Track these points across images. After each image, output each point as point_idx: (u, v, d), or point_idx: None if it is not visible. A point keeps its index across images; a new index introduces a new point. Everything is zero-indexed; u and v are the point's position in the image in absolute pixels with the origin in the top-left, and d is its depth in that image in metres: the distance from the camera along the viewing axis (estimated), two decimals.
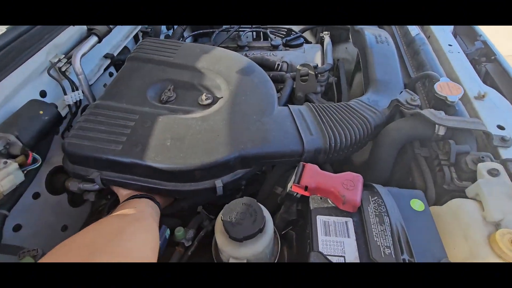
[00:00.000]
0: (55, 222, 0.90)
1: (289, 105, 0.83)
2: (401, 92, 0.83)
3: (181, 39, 1.41)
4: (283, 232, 0.81)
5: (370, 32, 1.12)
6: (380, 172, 0.85)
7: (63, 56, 0.86)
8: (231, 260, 0.60)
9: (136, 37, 1.29)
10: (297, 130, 0.76)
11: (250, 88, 0.85)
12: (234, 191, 0.88)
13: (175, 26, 1.42)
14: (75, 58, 0.85)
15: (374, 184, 0.70)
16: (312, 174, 0.67)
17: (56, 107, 0.78)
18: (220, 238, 0.61)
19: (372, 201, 0.68)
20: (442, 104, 0.81)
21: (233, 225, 0.58)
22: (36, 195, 0.83)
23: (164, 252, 0.76)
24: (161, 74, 0.87)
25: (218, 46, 1.28)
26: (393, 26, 1.24)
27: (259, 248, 0.60)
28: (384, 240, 0.61)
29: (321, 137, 0.76)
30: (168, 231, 0.72)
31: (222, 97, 0.83)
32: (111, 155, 0.67)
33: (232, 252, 0.59)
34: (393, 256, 0.57)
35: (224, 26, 1.47)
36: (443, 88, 0.80)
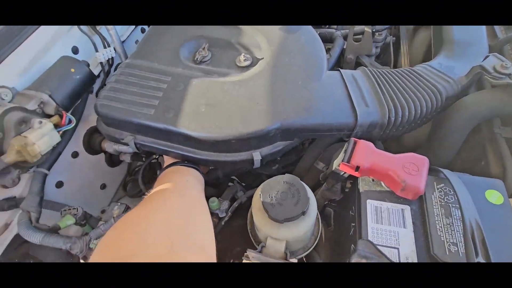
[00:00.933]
0: (95, 180, 0.91)
1: (341, 69, 0.71)
2: (487, 56, 0.66)
3: None
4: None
5: None
6: (444, 153, 0.73)
7: None
8: (269, 241, 0.55)
9: None
10: (349, 100, 0.65)
11: (295, 48, 0.73)
12: (270, 161, 0.81)
13: None
14: None
15: (441, 169, 0.59)
16: (366, 152, 0.57)
17: (88, 65, 0.74)
18: (258, 215, 0.55)
19: (437, 188, 0.58)
20: None
21: (273, 206, 0.52)
22: (75, 154, 0.83)
23: None
24: (195, 30, 0.78)
25: None
26: None
27: (300, 231, 0.54)
28: (450, 236, 0.52)
29: (379, 109, 0.64)
30: None
31: (262, 58, 0.72)
32: (143, 120, 0.62)
33: (270, 232, 0.54)
34: (461, 256, 0.48)
35: None
36: None
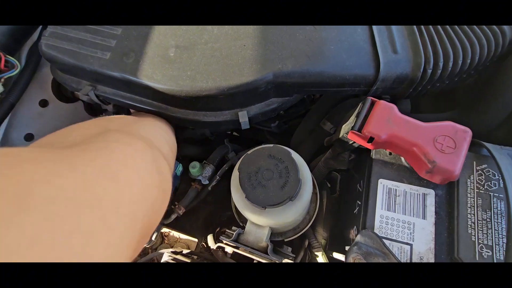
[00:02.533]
0: None
1: None
2: None
3: None
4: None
5: None
6: (491, 116, 0.55)
7: None
8: (248, 226, 0.45)
9: None
10: (371, 43, 0.47)
11: None
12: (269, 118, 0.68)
13: None
14: None
15: (484, 143, 0.44)
16: (384, 119, 0.43)
17: None
18: (237, 196, 0.45)
19: (477, 170, 0.43)
20: None
21: (253, 187, 0.40)
22: (43, 103, 0.73)
23: (179, 188, 0.66)
24: None
25: None
26: None
27: (288, 218, 0.43)
28: (485, 236, 0.39)
29: (411, 57, 0.46)
30: (179, 167, 0.59)
31: None
32: (97, 66, 0.48)
33: (250, 217, 0.44)
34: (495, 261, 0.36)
35: None
36: None
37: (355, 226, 0.47)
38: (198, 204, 0.64)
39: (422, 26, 0.48)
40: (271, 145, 0.44)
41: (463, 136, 0.40)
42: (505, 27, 0.47)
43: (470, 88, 0.60)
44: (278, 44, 0.47)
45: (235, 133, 0.79)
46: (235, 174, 0.45)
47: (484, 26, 0.47)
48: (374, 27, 0.48)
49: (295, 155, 0.45)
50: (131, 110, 0.64)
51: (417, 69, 0.46)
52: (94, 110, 0.83)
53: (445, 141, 0.40)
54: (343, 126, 0.49)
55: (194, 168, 0.59)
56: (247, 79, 0.45)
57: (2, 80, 0.51)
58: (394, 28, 0.48)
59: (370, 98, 0.45)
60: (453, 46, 0.46)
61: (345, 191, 0.60)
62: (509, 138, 0.59)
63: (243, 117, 0.50)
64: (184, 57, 0.47)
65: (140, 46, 0.48)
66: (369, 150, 0.47)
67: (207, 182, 0.61)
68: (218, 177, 0.63)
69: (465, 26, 0.47)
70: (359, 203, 0.48)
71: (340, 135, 0.48)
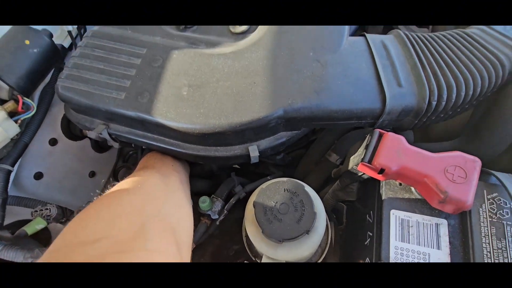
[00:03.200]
0: (81, 168, 0.83)
1: (367, 35, 0.54)
2: None
3: None
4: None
5: None
6: (496, 143, 0.57)
7: None
8: (264, 259, 0.45)
9: None
10: (376, 77, 0.49)
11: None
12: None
13: None
14: None
15: (493, 172, 0.45)
16: (394, 150, 0.44)
17: (50, 35, 0.60)
18: (252, 229, 0.45)
19: (488, 199, 0.44)
20: None
21: (270, 222, 0.41)
22: (53, 141, 0.74)
23: None
24: None
25: None
26: None
27: (304, 252, 0.43)
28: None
29: (416, 90, 0.48)
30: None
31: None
32: (112, 106, 0.50)
33: (266, 251, 0.44)
34: None
35: None
36: None
37: (367, 258, 0.47)
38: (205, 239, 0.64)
39: (424, 59, 0.50)
40: (285, 179, 0.45)
41: (472, 166, 0.41)
42: (503, 57, 0.50)
43: (473, 117, 0.61)
44: (287, 80, 0.49)
45: (237, 165, 0.80)
46: (249, 209, 0.46)
47: (482, 57, 0.50)
48: (377, 61, 0.50)
49: (308, 188, 0.45)
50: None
51: (422, 102, 0.47)
52: (101, 147, 0.84)
53: (456, 171, 0.41)
54: (352, 158, 0.50)
55: (204, 203, 0.59)
56: (259, 115, 0.47)
57: (19, 121, 0.52)
58: (397, 62, 0.50)
59: (378, 131, 0.46)
60: (456, 78, 0.48)
61: (352, 222, 0.60)
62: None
63: (254, 151, 0.51)
64: (196, 95, 0.49)
65: (154, 86, 0.50)
66: (375, 180, 0.48)
67: (216, 216, 0.61)
68: (226, 211, 0.63)
69: (464, 58, 0.50)
70: (370, 234, 0.48)
71: (349, 167, 0.49)
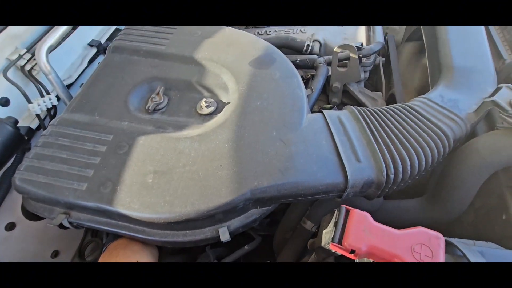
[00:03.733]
0: (42, 249, 0.76)
1: (324, 111, 0.58)
2: (499, 88, 0.54)
3: None
4: None
5: None
6: (455, 204, 0.60)
7: (25, 50, 0.66)
8: None
9: None
10: (336, 153, 0.52)
11: (268, 87, 0.60)
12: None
13: None
14: (39, 52, 0.65)
15: (456, 243, 0.46)
16: (361, 229, 0.44)
17: (15, 122, 0.60)
18: None
19: None
20: None
21: None
22: (10, 226, 0.68)
23: None
24: (149, 70, 0.65)
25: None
26: None
27: None
28: None
29: (373, 165, 0.51)
30: None
31: (229, 103, 0.59)
32: (72, 198, 0.48)
33: None
34: None
35: None
36: None
37: None
38: None
39: (377, 134, 0.54)
40: None
41: (437, 243, 0.42)
42: (446, 129, 0.55)
43: (433, 175, 0.65)
44: (252, 161, 0.50)
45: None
46: None
47: (429, 130, 0.54)
48: (336, 138, 0.53)
49: None
50: None
51: (381, 175, 0.50)
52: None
53: (422, 250, 0.41)
54: (324, 232, 0.50)
55: None
56: (226, 199, 0.47)
57: None
58: (353, 137, 0.54)
59: (344, 207, 0.47)
60: (407, 151, 0.51)
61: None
62: (478, 221, 0.63)
63: (224, 233, 0.49)
64: (162, 182, 0.48)
65: (118, 175, 0.49)
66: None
67: None
68: None
69: (413, 131, 0.54)
70: None
71: (322, 244, 0.49)
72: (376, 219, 0.45)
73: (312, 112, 0.80)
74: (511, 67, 0.66)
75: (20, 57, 0.65)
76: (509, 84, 0.55)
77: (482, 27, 0.70)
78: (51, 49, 0.68)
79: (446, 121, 0.56)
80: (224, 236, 0.49)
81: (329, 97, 0.86)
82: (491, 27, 0.75)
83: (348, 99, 0.87)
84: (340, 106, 0.87)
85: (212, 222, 0.50)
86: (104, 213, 0.49)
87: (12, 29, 0.65)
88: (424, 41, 0.79)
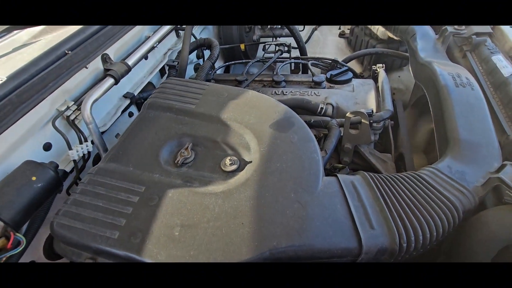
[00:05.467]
0: None
1: (339, 176, 0.63)
2: (504, 165, 0.59)
3: (212, 71, 1.29)
4: None
5: (445, 69, 0.88)
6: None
7: (73, 103, 0.75)
8: None
9: (162, 71, 1.18)
10: (351, 218, 0.55)
11: (287, 150, 0.66)
12: None
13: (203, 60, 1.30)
14: (85, 105, 0.74)
15: None
16: None
17: (56, 166, 0.66)
18: None
19: None
20: None
21: None
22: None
23: None
24: (179, 127, 0.72)
25: (253, 78, 1.13)
26: (471, 60, 0.98)
27: None
28: None
29: (387, 233, 0.54)
30: None
31: (251, 162, 0.65)
32: (104, 245, 0.51)
33: None
34: None
35: (259, 57, 1.32)
36: None
37: None
38: None
39: (389, 202, 0.57)
40: None
41: None
42: (455, 201, 0.58)
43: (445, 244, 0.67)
44: (272, 221, 0.54)
45: None
46: None
47: (439, 201, 0.58)
48: (350, 203, 0.57)
49: None
50: None
51: (394, 243, 0.52)
52: None
53: None
54: None
55: None
56: (246, 257, 0.49)
57: (4, 259, 0.52)
58: (367, 204, 0.57)
59: None
60: (419, 222, 0.54)
61: None
62: None
63: None
64: (187, 236, 0.52)
65: (148, 226, 0.53)
66: None
67: None
68: None
69: (424, 201, 0.58)
70: None
71: None
72: None
73: (324, 169, 0.85)
74: None
75: (67, 108, 0.74)
76: None
77: (484, 102, 0.77)
78: (95, 101, 0.77)
79: (455, 192, 0.60)
80: None
81: (340, 155, 0.92)
82: (493, 104, 0.82)
83: (359, 159, 0.92)
84: (350, 165, 0.92)
85: None
86: (132, 261, 0.52)
87: (66, 85, 0.74)
88: (431, 112, 0.86)
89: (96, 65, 0.83)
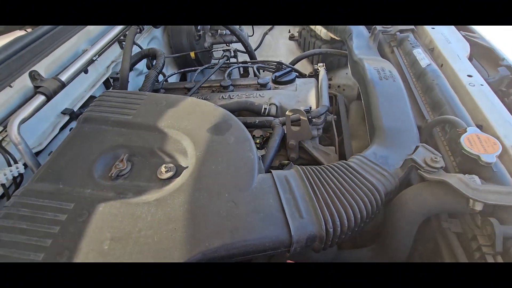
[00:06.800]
0: None
1: (273, 172, 0.65)
2: (417, 147, 0.65)
3: (163, 79, 1.28)
4: None
5: (371, 65, 0.95)
6: (398, 249, 0.65)
7: None
8: None
9: (107, 84, 1.16)
10: (282, 211, 0.58)
11: (223, 151, 0.67)
12: None
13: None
14: (11, 125, 0.71)
15: None
16: None
17: None
18: None
19: None
20: (472, 163, 0.62)
21: None
22: None
23: None
24: (115, 139, 0.71)
25: (200, 84, 1.14)
26: (397, 54, 1.07)
27: None
28: None
29: (314, 220, 0.57)
30: None
31: (187, 167, 0.65)
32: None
33: None
34: None
35: (211, 64, 1.35)
36: (474, 143, 0.61)
37: None
38: None
39: (317, 190, 0.61)
40: None
41: None
42: (378, 184, 0.63)
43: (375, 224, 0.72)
44: (205, 223, 0.55)
45: None
46: None
47: (362, 185, 0.62)
48: (281, 196, 0.59)
49: None
50: None
51: (321, 229, 0.55)
52: None
53: None
54: None
55: None
56: (177, 261, 0.50)
57: None
58: (297, 195, 0.60)
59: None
60: (344, 206, 0.58)
61: None
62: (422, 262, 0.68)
63: None
64: (118, 248, 0.51)
65: (75, 243, 0.52)
66: None
67: None
68: None
69: (349, 187, 0.62)
70: None
71: None
72: None
73: (272, 168, 0.88)
74: (431, 126, 0.78)
75: None
76: (425, 145, 0.65)
77: (404, 92, 0.84)
78: (24, 121, 0.74)
79: (378, 176, 0.65)
80: None
81: (287, 152, 0.95)
82: (415, 92, 0.90)
83: (305, 154, 0.96)
84: (298, 161, 0.96)
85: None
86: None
87: None
88: (363, 104, 0.92)
89: (23, 83, 0.79)
